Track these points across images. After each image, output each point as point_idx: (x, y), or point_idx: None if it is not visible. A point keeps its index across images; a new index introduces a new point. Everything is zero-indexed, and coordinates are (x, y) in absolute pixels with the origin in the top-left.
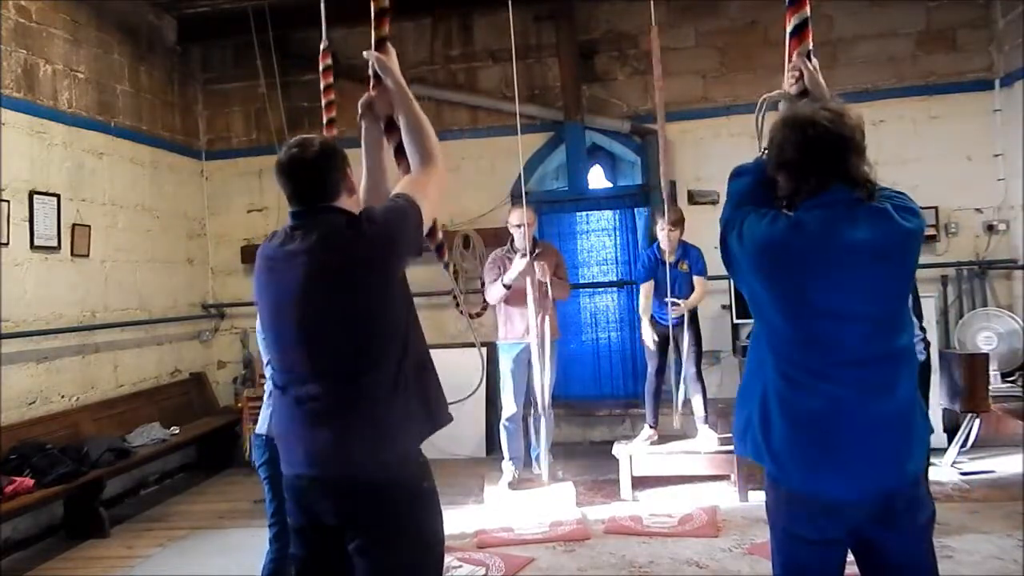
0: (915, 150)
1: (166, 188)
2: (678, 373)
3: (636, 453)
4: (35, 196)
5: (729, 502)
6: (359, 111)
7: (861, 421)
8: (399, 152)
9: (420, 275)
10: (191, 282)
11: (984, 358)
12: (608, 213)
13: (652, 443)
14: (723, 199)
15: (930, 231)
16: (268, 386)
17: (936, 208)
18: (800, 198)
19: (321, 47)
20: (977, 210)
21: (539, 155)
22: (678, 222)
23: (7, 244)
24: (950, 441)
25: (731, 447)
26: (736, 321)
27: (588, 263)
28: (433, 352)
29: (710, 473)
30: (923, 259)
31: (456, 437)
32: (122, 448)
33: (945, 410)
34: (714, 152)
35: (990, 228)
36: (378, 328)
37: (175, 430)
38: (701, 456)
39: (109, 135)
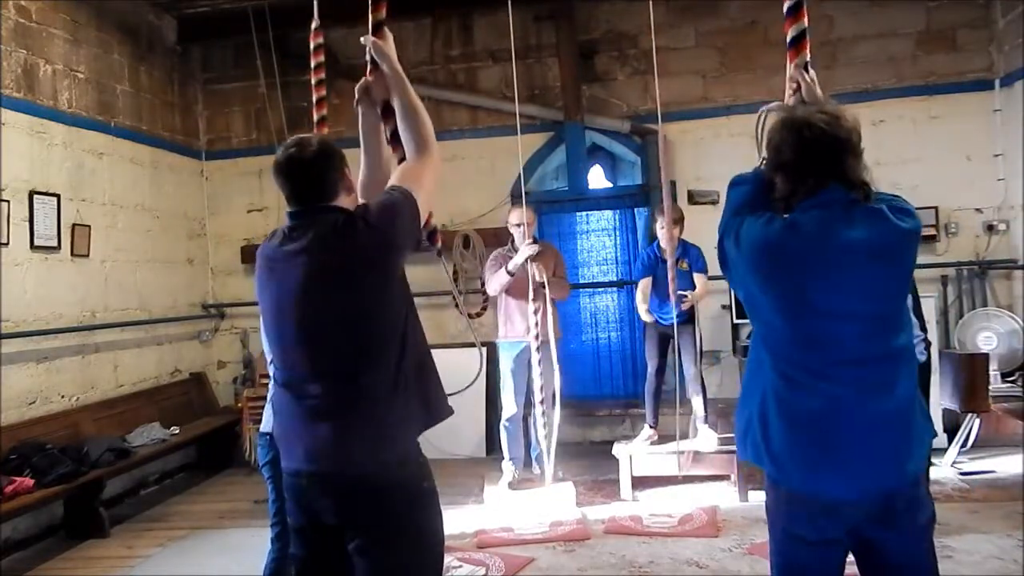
0: (915, 150)
1: (166, 188)
2: (683, 398)
3: (636, 453)
4: (35, 196)
5: (729, 502)
6: (356, 96)
7: (860, 420)
8: (394, 138)
9: (420, 275)
10: (191, 282)
11: (984, 358)
12: (608, 213)
13: (652, 443)
14: (723, 200)
15: (930, 231)
16: (272, 384)
17: (936, 208)
18: (797, 199)
19: (311, 43)
20: (977, 210)
21: (539, 155)
22: (678, 220)
23: (7, 244)
24: (950, 441)
25: (731, 447)
26: (736, 321)
27: (588, 263)
28: (433, 352)
29: (710, 473)
30: (923, 259)
31: (456, 437)
32: (122, 448)
33: (945, 410)
34: (714, 152)
35: (990, 228)
36: (377, 327)
37: (175, 430)
38: (701, 456)
39: (109, 135)
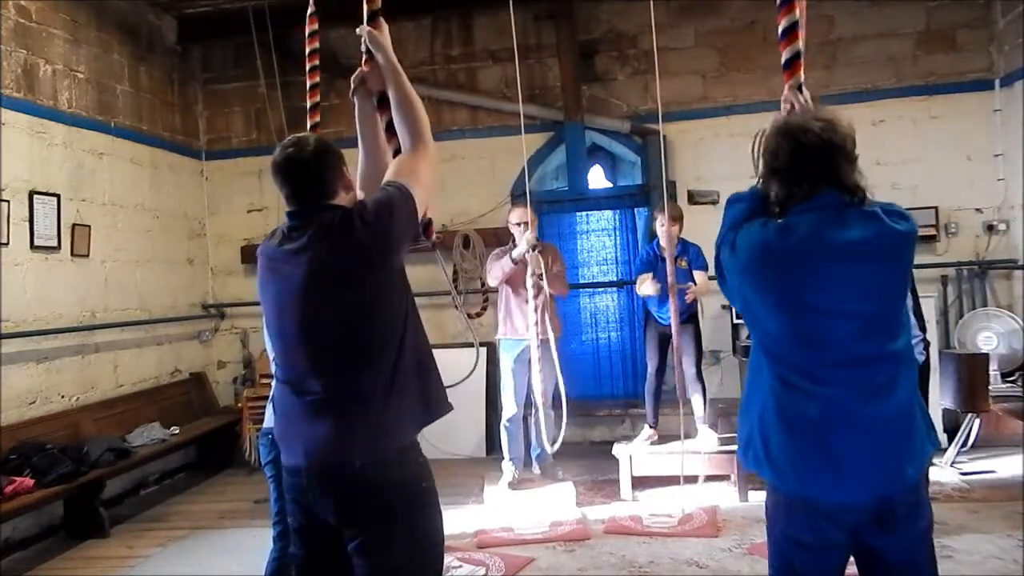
0: (915, 150)
1: (166, 188)
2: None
3: (636, 453)
4: (35, 196)
5: (729, 502)
6: (352, 86)
7: (859, 424)
8: (390, 129)
9: (420, 275)
10: (191, 282)
11: (984, 358)
12: (608, 213)
13: (652, 443)
14: (723, 200)
15: (930, 231)
16: (274, 382)
17: (936, 208)
18: (792, 203)
19: (307, 48)
20: (977, 210)
21: (539, 155)
22: (677, 218)
23: (7, 244)
24: (950, 441)
25: (731, 447)
26: (736, 321)
27: (588, 263)
28: (433, 352)
29: (710, 473)
30: (923, 259)
31: (456, 437)
32: (122, 448)
33: (945, 410)
34: (714, 152)
35: (990, 228)
36: (377, 326)
37: (175, 430)
38: (701, 456)
39: (109, 135)
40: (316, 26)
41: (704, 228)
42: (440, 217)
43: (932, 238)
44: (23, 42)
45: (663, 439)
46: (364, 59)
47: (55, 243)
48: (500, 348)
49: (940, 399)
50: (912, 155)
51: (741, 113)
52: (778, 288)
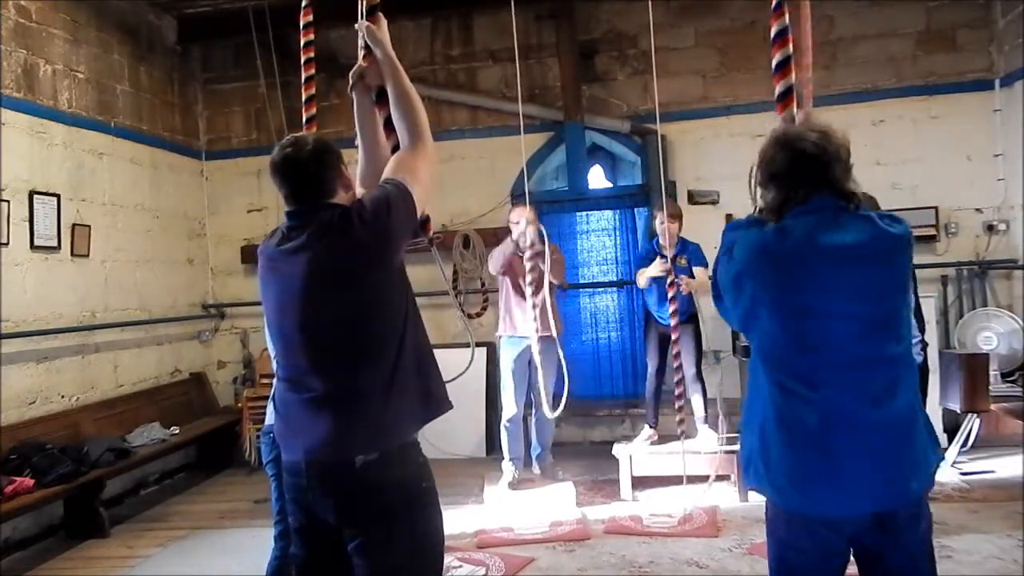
0: (915, 150)
1: (166, 188)
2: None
3: (636, 453)
4: (35, 196)
5: (729, 502)
6: (350, 81)
7: (859, 428)
8: (388, 125)
9: (420, 275)
10: (191, 282)
11: (984, 358)
12: (608, 213)
13: (652, 443)
14: (723, 199)
15: (930, 231)
16: (275, 381)
17: (936, 208)
18: (788, 207)
19: (301, 40)
20: (977, 210)
21: (539, 155)
22: (676, 216)
23: (7, 244)
24: (950, 441)
25: (731, 447)
26: None
27: (588, 263)
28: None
29: (710, 473)
30: (923, 259)
31: (456, 437)
32: (122, 448)
33: (945, 410)
34: (714, 152)
35: (990, 228)
36: (377, 325)
37: (175, 430)
38: (701, 456)
39: (109, 135)
40: (311, 17)
41: (704, 228)
42: (440, 217)
43: (932, 238)
44: (23, 42)
45: (663, 439)
46: (363, 54)
47: (55, 243)
48: (500, 346)
49: (940, 399)
50: (912, 155)
51: (741, 113)
52: (776, 288)
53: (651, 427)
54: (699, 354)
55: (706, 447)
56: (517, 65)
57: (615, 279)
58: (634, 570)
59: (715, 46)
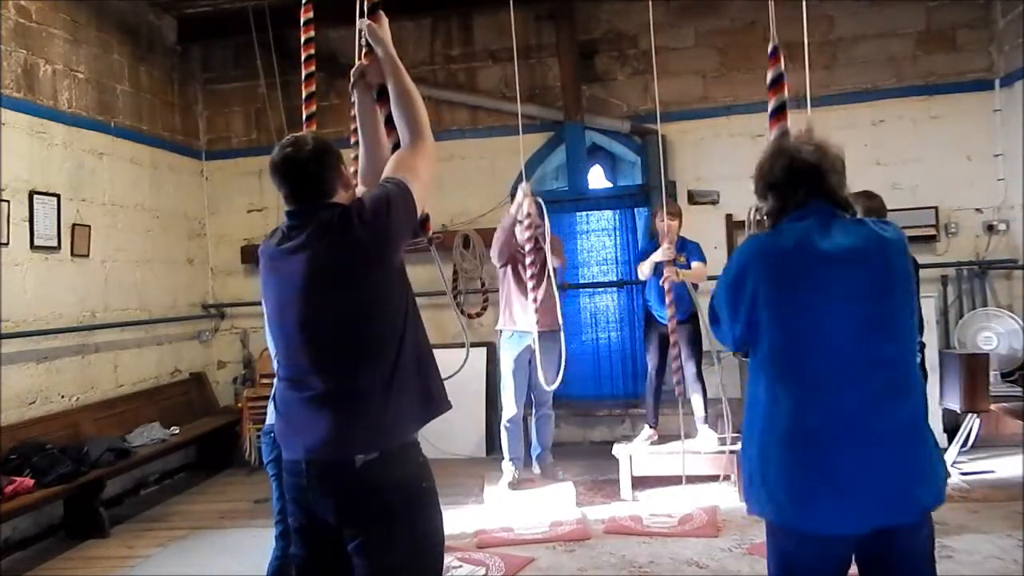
0: (915, 150)
1: (166, 188)
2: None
3: (636, 453)
4: (35, 196)
5: (729, 502)
6: (351, 79)
7: (860, 440)
8: (389, 123)
9: (420, 275)
10: (191, 282)
11: (984, 358)
12: (608, 213)
13: (652, 443)
14: (723, 199)
15: (930, 231)
16: (276, 380)
17: (936, 208)
18: (785, 213)
19: (302, 37)
20: (977, 210)
21: (539, 155)
22: (676, 214)
23: (7, 244)
24: (950, 441)
25: (731, 447)
26: None
27: (588, 263)
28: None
29: (710, 473)
30: (923, 259)
31: (456, 437)
32: (122, 448)
33: (945, 410)
34: (714, 152)
35: (990, 228)
36: (377, 324)
37: (175, 430)
38: (701, 456)
39: (109, 135)
40: (311, 14)
41: (704, 228)
42: (440, 217)
43: (932, 238)
44: (23, 42)
45: (663, 439)
46: (364, 52)
47: (55, 243)
48: (500, 343)
49: (940, 399)
50: (912, 155)
51: (741, 113)
52: (775, 285)
53: (651, 427)
54: (699, 354)
55: (706, 447)
56: (516, 65)
57: (615, 279)
58: (634, 570)
59: (715, 46)
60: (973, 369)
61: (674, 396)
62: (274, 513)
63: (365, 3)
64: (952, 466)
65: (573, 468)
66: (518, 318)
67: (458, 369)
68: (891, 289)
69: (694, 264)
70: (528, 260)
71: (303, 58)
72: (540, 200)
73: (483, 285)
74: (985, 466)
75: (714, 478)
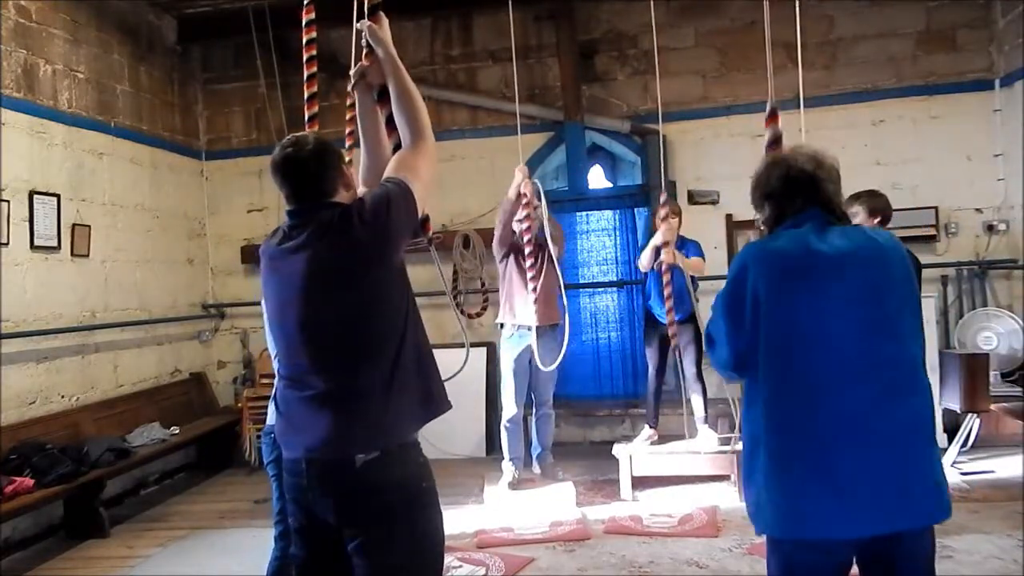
0: (915, 150)
1: (166, 188)
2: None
3: (636, 453)
4: (35, 196)
5: (729, 502)
6: (352, 80)
7: (861, 442)
8: (390, 123)
9: (420, 275)
10: (191, 282)
11: (984, 358)
12: (608, 213)
13: (652, 443)
14: (722, 199)
15: (930, 231)
16: (276, 380)
17: (936, 208)
18: (781, 221)
19: (304, 37)
20: (977, 210)
21: (539, 155)
22: (676, 212)
23: (7, 244)
24: (950, 441)
25: (731, 447)
26: None
27: (588, 263)
28: (433, 351)
29: (710, 473)
30: (923, 259)
31: (456, 437)
32: (122, 448)
33: (945, 410)
34: (714, 152)
35: (990, 228)
36: (377, 324)
37: (175, 430)
38: (701, 456)
39: (109, 135)
40: (313, 15)
41: (704, 228)
42: (440, 217)
43: (932, 238)
44: (23, 42)
45: (663, 439)
46: (364, 53)
47: (55, 243)
48: (500, 345)
49: (940, 399)
50: (912, 155)
51: (741, 113)
52: (776, 288)
53: (651, 427)
54: (699, 354)
55: (706, 447)
56: (515, 65)
57: (615, 279)
58: (634, 570)
59: (715, 46)
60: (973, 369)
61: (674, 396)
62: (274, 513)
63: (365, 4)
64: (952, 466)
65: (573, 468)
66: (518, 311)
67: (459, 370)
68: (891, 290)
69: (693, 259)
70: (527, 250)
71: (305, 58)
72: (537, 181)
73: (483, 285)
74: (985, 466)
75: (716, 478)
